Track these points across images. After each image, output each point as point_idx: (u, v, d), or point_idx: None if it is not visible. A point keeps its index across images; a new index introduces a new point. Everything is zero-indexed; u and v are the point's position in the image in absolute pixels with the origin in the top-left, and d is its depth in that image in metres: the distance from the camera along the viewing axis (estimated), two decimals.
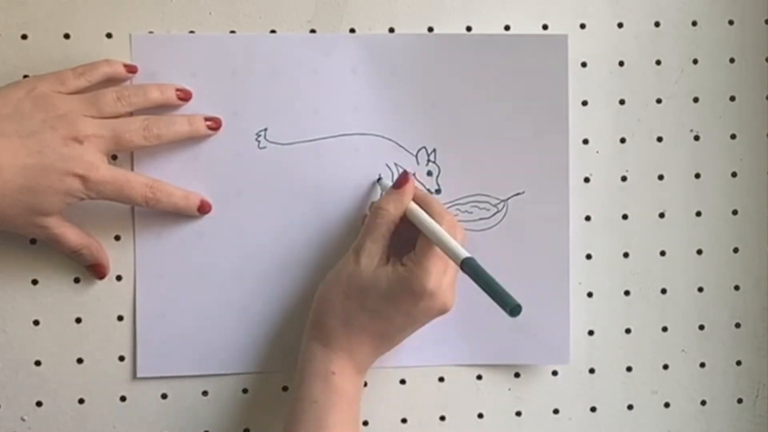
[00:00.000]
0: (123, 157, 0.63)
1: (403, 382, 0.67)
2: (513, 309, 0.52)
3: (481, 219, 0.65)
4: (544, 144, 0.65)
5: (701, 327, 0.69)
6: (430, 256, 0.58)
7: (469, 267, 0.54)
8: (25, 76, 0.63)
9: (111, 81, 0.61)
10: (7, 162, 0.55)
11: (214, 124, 0.62)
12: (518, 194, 0.65)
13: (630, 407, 0.68)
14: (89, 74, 0.60)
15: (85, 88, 0.60)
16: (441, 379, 0.67)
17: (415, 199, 0.62)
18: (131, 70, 0.62)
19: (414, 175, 0.65)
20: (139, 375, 0.63)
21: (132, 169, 0.63)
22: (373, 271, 0.59)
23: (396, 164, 0.65)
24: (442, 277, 0.59)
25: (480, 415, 0.67)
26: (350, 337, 0.60)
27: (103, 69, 0.61)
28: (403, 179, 0.61)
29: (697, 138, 0.68)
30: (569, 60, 0.66)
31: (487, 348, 0.66)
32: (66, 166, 0.57)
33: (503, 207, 0.65)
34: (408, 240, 0.61)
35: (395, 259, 0.60)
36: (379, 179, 0.64)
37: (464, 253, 0.55)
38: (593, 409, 0.68)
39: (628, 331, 0.68)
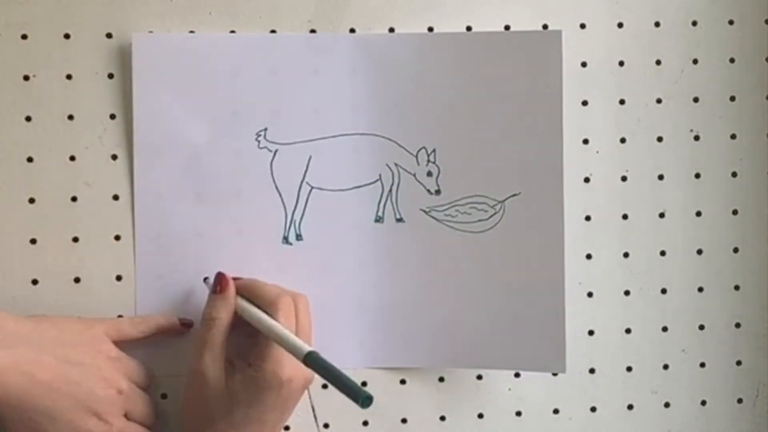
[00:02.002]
0: (123, 156, 0.63)
1: (403, 382, 0.67)
2: (363, 400, 0.51)
3: (479, 221, 0.65)
4: (539, 143, 0.65)
5: (701, 327, 0.69)
6: (274, 347, 0.57)
7: (312, 360, 0.54)
8: (26, 76, 0.63)
9: (163, 333, 0.62)
10: (43, 380, 0.56)
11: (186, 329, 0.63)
12: (515, 195, 0.65)
13: (630, 407, 0.68)
14: (144, 326, 0.62)
15: (136, 339, 0.61)
16: (441, 379, 0.67)
17: (241, 292, 0.61)
18: (186, 324, 0.63)
19: (414, 175, 0.65)
20: None
21: (132, 167, 0.63)
22: (225, 385, 0.58)
23: (396, 164, 0.65)
24: (293, 359, 0.57)
25: (480, 415, 0.67)
26: None
27: (157, 322, 0.62)
28: (222, 282, 0.61)
29: (697, 138, 0.68)
30: (569, 60, 0.66)
31: (484, 352, 0.65)
32: (96, 406, 0.57)
33: (500, 209, 0.65)
34: (242, 336, 0.60)
35: (240, 364, 0.59)
36: (206, 279, 0.63)
37: (305, 348, 0.54)
38: (593, 409, 0.68)
39: (628, 331, 0.68)
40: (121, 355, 0.61)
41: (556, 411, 0.68)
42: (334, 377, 0.53)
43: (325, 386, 0.66)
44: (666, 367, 0.68)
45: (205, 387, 0.59)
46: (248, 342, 0.60)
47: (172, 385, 0.65)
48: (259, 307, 0.60)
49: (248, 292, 0.61)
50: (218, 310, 0.60)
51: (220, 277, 0.61)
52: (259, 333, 0.59)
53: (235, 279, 0.62)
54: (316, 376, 0.56)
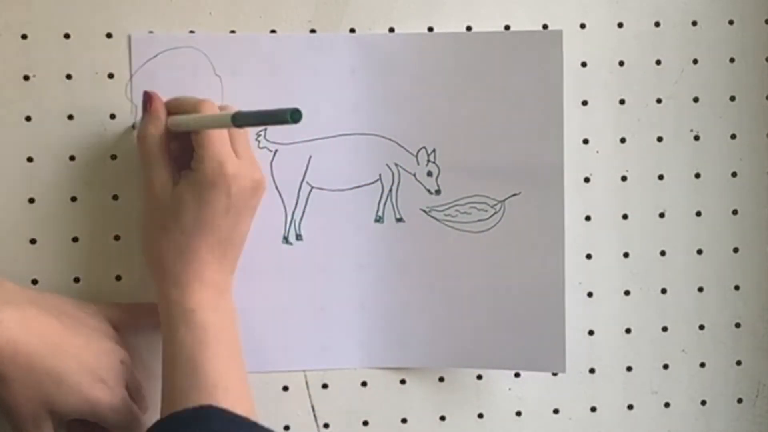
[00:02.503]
0: (123, 156, 0.63)
1: (403, 382, 0.67)
2: (292, 114, 0.49)
3: (479, 220, 0.65)
4: (540, 142, 0.65)
5: (701, 327, 0.69)
6: (211, 146, 0.57)
7: (239, 119, 0.52)
8: (26, 76, 0.63)
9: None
10: (51, 341, 0.55)
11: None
12: (515, 195, 0.65)
13: (630, 407, 0.68)
14: (138, 310, 0.63)
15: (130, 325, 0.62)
16: (441, 379, 0.67)
17: (169, 109, 0.60)
18: None
19: (414, 175, 0.65)
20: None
21: (132, 167, 0.63)
22: (172, 196, 0.58)
23: (396, 164, 0.65)
24: (234, 157, 0.57)
25: (480, 415, 0.67)
26: (191, 265, 0.58)
27: (150, 308, 0.61)
28: (147, 100, 0.60)
29: (697, 138, 0.68)
30: (569, 60, 0.66)
31: (484, 351, 0.65)
32: (101, 372, 0.57)
33: (500, 208, 0.65)
34: (187, 152, 0.59)
35: (183, 172, 0.58)
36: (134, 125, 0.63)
37: (229, 113, 0.53)
38: (593, 409, 0.68)
39: (628, 331, 0.68)
40: (117, 336, 0.60)
41: (556, 411, 0.68)
42: (260, 117, 0.52)
43: (325, 386, 0.66)
44: (666, 367, 0.68)
45: (153, 198, 0.58)
46: (188, 154, 0.59)
47: None
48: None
49: (174, 107, 0.60)
50: (146, 126, 0.59)
51: (146, 96, 0.60)
52: (194, 143, 0.58)
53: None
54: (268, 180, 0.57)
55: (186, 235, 0.57)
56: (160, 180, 0.58)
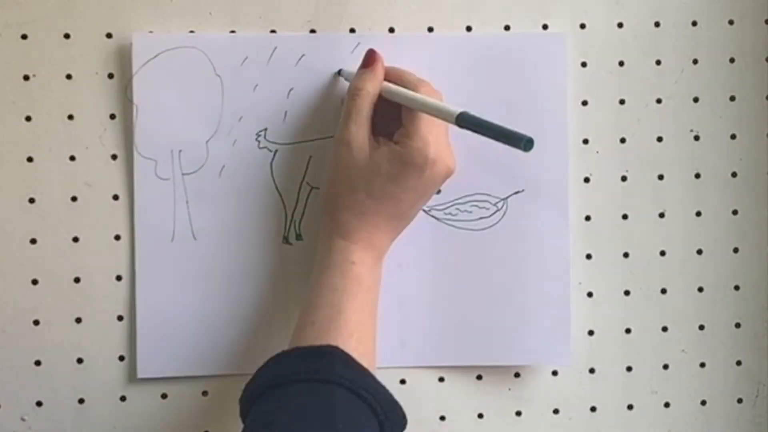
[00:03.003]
0: (123, 156, 0.63)
1: (403, 382, 0.67)
2: (525, 143, 0.50)
3: (481, 218, 0.65)
4: (543, 143, 0.65)
5: (701, 327, 0.68)
6: (421, 125, 0.58)
7: (465, 120, 0.53)
8: (26, 76, 0.63)
9: None
10: None
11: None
12: (518, 192, 0.65)
13: (630, 407, 0.68)
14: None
15: None
16: (441, 379, 0.67)
17: (387, 75, 0.61)
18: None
19: None
20: (139, 376, 0.63)
21: (132, 167, 0.63)
22: (369, 156, 0.59)
23: None
24: (438, 142, 0.58)
25: (480, 415, 0.67)
26: (366, 226, 0.60)
27: None
28: (372, 57, 0.61)
29: (697, 138, 0.68)
30: (569, 60, 0.66)
31: (488, 348, 0.66)
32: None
33: (503, 206, 0.65)
34: (387, 119, 0.60)
35: (385, 140, 0.60)
36: (340, 71, 0.64)
37: (456, 109, 0.54)
38: (593, 409, 0.68)
39: (628, 331, 0.68)
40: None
41: (556, 411, 0.68)
42: (490, 129, 0.52)
43: None
44: (666, 367, 0.68)
45: (349, 156, 0.59)
46: (394, 122, 0.60)
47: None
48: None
49: (391, 76, 0.61)
50: (365, 82, 0.60)
51: (371, 53, 0.61)
52: (405, 117, 0.59)
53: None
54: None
55: (371, 198, 0.59)
56: (360, 139, 0.59)
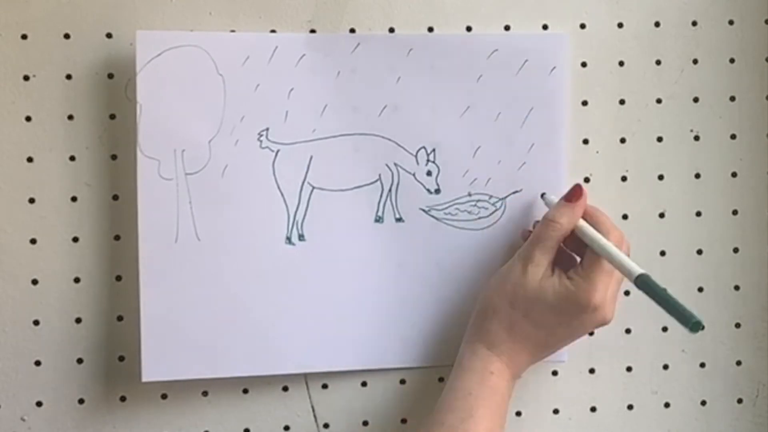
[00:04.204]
0: (123, 156, 0.63)
1: (403, 382, 0.67)
2: (693, 325, 0.51)
3: (480, 218, 0.65)
4: (542, 143, 0.65)
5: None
6: (598, 272, 0.59)
7: (643, 283, 0.54)
8: (26, 76, 0.63)
9: None
10: None
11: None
12: (516, 192, 0.65)
13: (630, 407, 0.68)
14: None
15: None
16: (441, 380, 0.67)
17: (585, 214, 0.62)
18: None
19: (414, 175, 0.65)
20: (144, 379, 0.63)
21: (132, 167, 0.63)
22: (539, 282, 0.60)
23: (396, 164, 0.65)
24: (607, 292, 0.60)
25: None
26: (513, 343, 0.61)
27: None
28: (577, 193, 0.62)
29: (697, 138, 0.68)
30: (569, 60, 0.66)
31: None
32: None
33: (501, 206, 0.65)
34: (568, 253, 0.62)
35: (559, 272, 0.61)
36: (543, 195, 0.65)
37: (638, 270, 0.55)
38: (593, 409, 0.68)
39: (628, 331, 0.68)
40: None
41: (556, 411, 0.68)
42: (663, 300, 0.53)
43: (325, 386, 0.66)
44: (666, 367, 0.69)
45: (523, 275, 0.60)
46: (574, 260, 0.62)
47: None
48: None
49: (589, 216, 0.62)
50: (563, 216, 0.61)
51: (578, 189, 0.62)
52: (587, 258, 0.60)
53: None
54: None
55: (527, 321, 0.60)
56: (538, 267, 0.60)
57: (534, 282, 0.60)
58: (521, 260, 0.61)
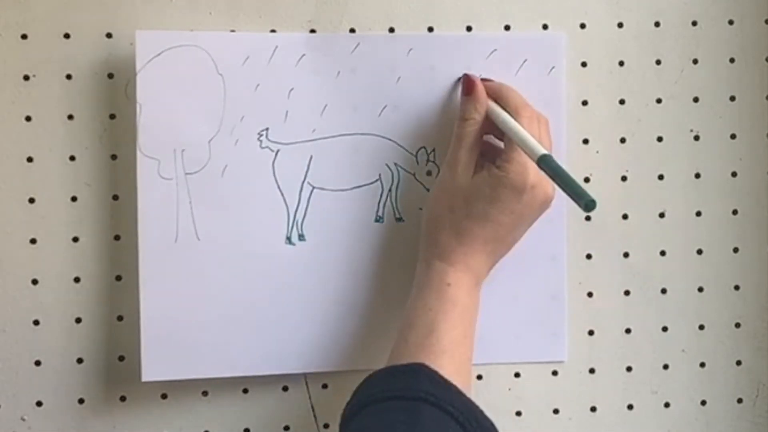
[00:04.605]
0: (123, 156, 0.63)
1: None
2: (587, 203, 0.52)
3: None
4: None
5: (701, 327, 0.69)
6: (521, 152, 0.59)
7: (545, 164, 0.55)
8: (26, 76, 0.63)
9: None
10: None
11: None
12: None
13: (630, 407, 0.68)
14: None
15: None
16: None
17: (491, 94, 0.62)
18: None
19: (414, 175, 0.65)
20: (144, 379, 0.63)
21: (132, 167, 0.63)
22: (471, 180, 0.60)
23: (396, 164, 0.65)
24: (537, 167, 0.59)
25: None
26: (464, 247, 0.60)
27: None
28: (470, 84, 0.62)
29: (697, 138, 0.68)
30: (569, 60, 0.66)
31: (485, 347, 0.66)
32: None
33: None
34: (494, 144, 0.63)
35: (488, 164, 0.61)
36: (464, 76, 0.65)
37: (540, 150, 0.56)
38: (593, 409, 0.68)
39: (628, 331, 0.68)
40: None
41: (556, 411, 0.68)
42: (563, 181, 0.54)
43: (325, 386, 0.66)
44: (666, 367, 0.69)
45: (453, 178, 0.61)
46: (497, 148, 0.62)
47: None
48: (506, 111, 0.61)
49: (498, 96, 0.62)
50: (470, 111, 0.62)
51: (467, 80, 0.62)
52: (507, 142, 0.60)
53: (484, 81, 0.63)
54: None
55: (470, 221, 0.60)
56: (466, 163, 0.61)
57: (466, 181, 0.60)
58: (449, 165, 0.61)
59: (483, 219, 0.60)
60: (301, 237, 0.64)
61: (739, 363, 0.69)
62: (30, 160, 0.63)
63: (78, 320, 0.64)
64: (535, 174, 0.59)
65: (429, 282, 0.60)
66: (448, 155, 0.62)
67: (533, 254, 0.66)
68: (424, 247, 0.62)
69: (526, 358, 0.67)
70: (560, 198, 0.65)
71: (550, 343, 0.67)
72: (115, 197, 0.64)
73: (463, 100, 0.62)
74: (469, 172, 0.61)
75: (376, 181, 0.65)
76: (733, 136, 0.68)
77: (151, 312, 0.63)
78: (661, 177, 0.68)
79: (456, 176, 0.61)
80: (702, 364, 0.69)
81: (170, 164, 0.63)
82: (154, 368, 0.63)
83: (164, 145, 0.63)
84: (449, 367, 0.57)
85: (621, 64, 0.67)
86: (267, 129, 0.64)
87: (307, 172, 0.64)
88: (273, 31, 0.64)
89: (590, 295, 0.68)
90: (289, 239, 0.64)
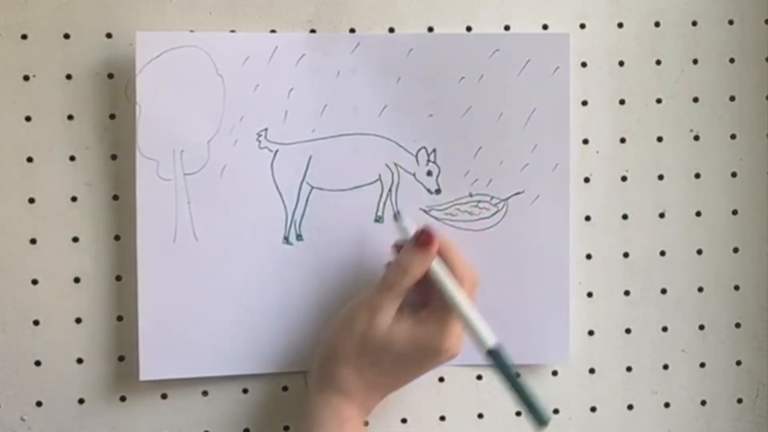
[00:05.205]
0: (123, 156, 0.63)
1: None
2: (541, 419, 0.52)
3: (481, 219, 0.65)
4: (544, 143, 0.65)
5: (701, 327, 0.69)
6: (451, 317, 0.58)
7: (494, 356, 0.55)
8: (26, 76, 0.63)
9: None
10: None
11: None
12: (518, 194, 0.65)
13: (630, 407, 0.68)
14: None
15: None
16: (441, 380, 0.67)
17: (439, 251, 0.60)
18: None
19: (414, 175, 0.65)
20: (141, 378, 0.63)
21: (132, 167, 0.63)
22: (388, 330, 0.59)
23: (396, 164, 0.65)
24: (458, 334, 0.59)
25: (480, 415, 0.67)
26: (364, 388, 0.60)
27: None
28: (427, 239, 0.59)
29: (697, 138, 0.68)
30: (572, 60, 0.66)
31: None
32: None
33: (503, 207, 0.65)
34: (418, 289, 0.60)
35: (409, 315, 0.59)
36: (397, 214, 0.64)
37: (490, 341, 0.55)
38: (593, 409, 0.68)
39: (628, 331, 0.68)
40: None
41: (556, 411, 0.68)
42: (509, 379, 0.54)
43: None
44: (666, 367, 0.69)
45: (370, 324, 0.59)
46: (422, 297, 0.60)
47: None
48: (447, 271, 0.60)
49: (443, 253, 0.60)
50: (413, 265, 0.59)
51: (425, 234, 0.59)
52: (438, 302, 0.59)
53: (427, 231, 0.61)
54: None
55: (377, 369, 0.59)
56: (387, 313, 0.59)
57: (382, 331, 0.58)
58: (368, 307, 0.59)
59: (390, 370, 0.59)
60: (299, 237, 0.64)
61: (739, 363, 0.69)
62: (30, 160, 0.63)
63: (78, 320, 0.64)
64: (455, 337, 0.58)
65: (328, 416, 0.59)
66: (371, 296, 0.59)
67: (536, 257, 0.66)
68: (320, 378, 0.61)
69: (528, 361, 0.66)
70: (564, 202, 0.65)
71: (553, 346, 0.66)
72: (115, 197, 0.64)
73: (410, 251, 0.59)
74: (388, 321, 0.59)
75: (376, 181, 0.65)
76: (733, 136, 0.68)
77: (149, 311, 0.63)
78: (661, 177, 0.68)
79: (374, 322, 0.59)
80: (702, 364, 0.69)
81: (169, 165, 0.63)
82: (152, 368, 0.63)
83: (163, 145, 0.63)
84: None
85: (621, 64, 0.67)
86: (266, 129, 0.64)
87: (306, 172, 0.64)
88: (273, 31, 0.64)
89: (590, 295, 0.68)
90: (286, 239, 0.64)
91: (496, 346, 0.54)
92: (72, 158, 0.64)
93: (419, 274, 0.59)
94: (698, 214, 0.68)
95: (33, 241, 0.63)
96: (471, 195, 0.65)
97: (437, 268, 0.60)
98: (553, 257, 0.66)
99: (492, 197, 0.65)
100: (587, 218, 0.67)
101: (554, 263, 0.66)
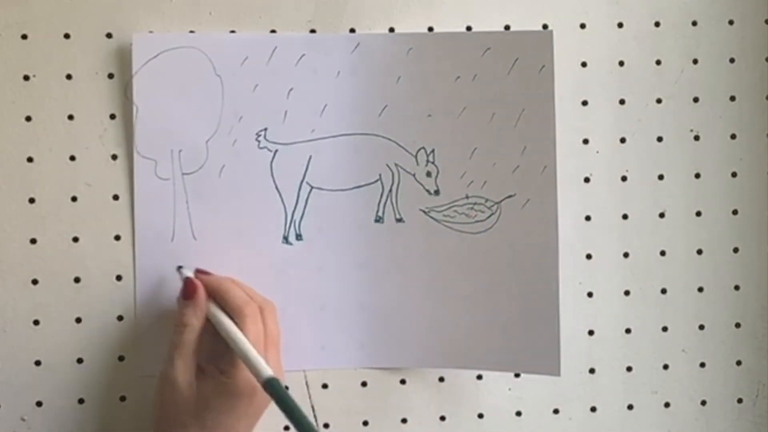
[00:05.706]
0: (123, 156, 0.63)
1: (403, 382, 0.67)
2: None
3: (477, 221, 0.65)
4: (533, 145, 0.65)
5: (701, 327, 0.69)
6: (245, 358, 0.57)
7: (270, 387, 0.54)
8: (26, 76, 0.63)
9: None
10: None
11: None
12: (510, 197, 0.65)
13: (630, 407, 0.68)
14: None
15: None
16: (441, 379, 0.67)
17: (211, 294, 0.60)
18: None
19: (414, 176, 0.65)
20: (139, 374, 0.63)
21: (132, 167, 0.63)
22: (196, 391, 0.58)
23: (396, 164, 0.65)
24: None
25: (480, 415, 0.67)
26: None
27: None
28: (191, 289, 0.59)
29: (697, 138, 0.68)
30: (569, 60, 0.66)
31: (480, 355, 0.65)
32: None
33: (497, 210, 0.65)
34: (212, 341, 0.59)
35: (211, 367, 0.58)
36: (180, 268, 0.63)
37: (266, 372, 0.55)
38: (593, 409, 0.68)
39: (628, 331, 0.68)
40: None
41: (556, 411, 0.68)
42: (288, 409, 0.53)
43: (325, 386, 0.66)
44: (666, 367, 0.68)
45: (176, 392, 0.58)
46: (220, 346, 0.59)
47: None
48: (228, 314, 0.59)
49: (217, 295, 0.60)
50: (189, 317, 0.59)
51: (189, 283, 0.60)
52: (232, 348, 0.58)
53: (203, 274, 0.61)
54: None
55: (205, 430, 0.57)
56: (185, 378, 0.58)
57: (189, 393, 0.57)
58: (165, 378, 0.58)
59: (217, 428, 0.57)
60: (299, 237, 0.64)
61: (739, 363, 0.69)
62: (30, 160, 0.63)
63: (78, 320, 0.64)
64: None
65: None
66: (165, 367, 0.58)
67: (527, 261, 0.65)
68: None
69: (520, 369, 0.65)
70: (552, 207, 0.65)
71: (542, 355, 0.64)
72: (115, 197, 0.64)
73: (182, 304, 0.59)
74: (193, 384, 0.58)
75: (376, 181, 0.65)
76: (733, 136, 0.68)
77: (147, 310, 0.63)
78: (661, 177, 0.68)
79: (176, 389, 0.57)
80: (702, 364, 0.69)
81: (167, 164, 0.63)
82: (150, 365, 0.63)
83: (161, 145, 0.63)
84: None
85: (621, 64, 0.67)
86: (265, 129, 0.64)
87: (305, 172, 0.64)
88: (273, 31, 0.64)
89: (590, 295, 0.68)
90: (286, 239, 0.64)
91: (271, 376, 0.54)
92: (72, 158, 0.64)
93: (198, 324, 0.59)
94: (698, 214, 0.68)
95: (33, 241, 0.63)
96: (467, 197, 0.65)
97: (214, 310, 0.59)
98: (542, 262, 0.64)
99: (486, 200, 0.65)
100: (587, 218, 0.67)
101: (543, 269, 0.64)
